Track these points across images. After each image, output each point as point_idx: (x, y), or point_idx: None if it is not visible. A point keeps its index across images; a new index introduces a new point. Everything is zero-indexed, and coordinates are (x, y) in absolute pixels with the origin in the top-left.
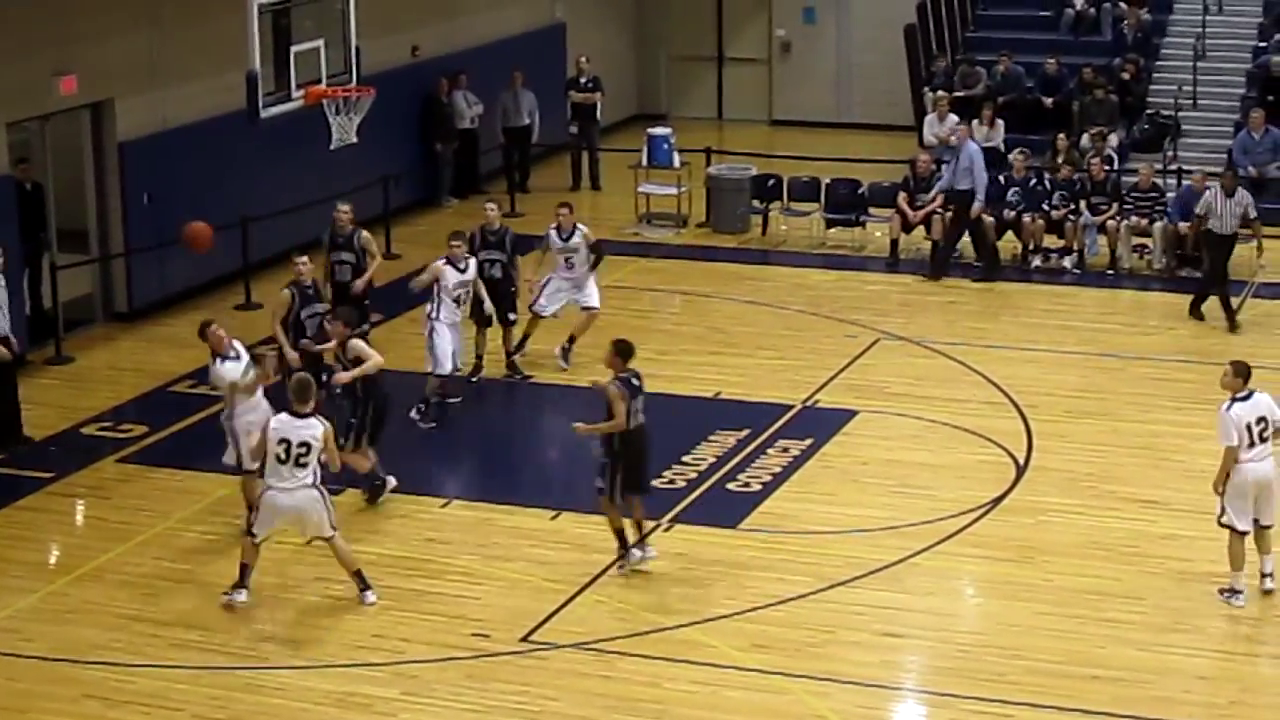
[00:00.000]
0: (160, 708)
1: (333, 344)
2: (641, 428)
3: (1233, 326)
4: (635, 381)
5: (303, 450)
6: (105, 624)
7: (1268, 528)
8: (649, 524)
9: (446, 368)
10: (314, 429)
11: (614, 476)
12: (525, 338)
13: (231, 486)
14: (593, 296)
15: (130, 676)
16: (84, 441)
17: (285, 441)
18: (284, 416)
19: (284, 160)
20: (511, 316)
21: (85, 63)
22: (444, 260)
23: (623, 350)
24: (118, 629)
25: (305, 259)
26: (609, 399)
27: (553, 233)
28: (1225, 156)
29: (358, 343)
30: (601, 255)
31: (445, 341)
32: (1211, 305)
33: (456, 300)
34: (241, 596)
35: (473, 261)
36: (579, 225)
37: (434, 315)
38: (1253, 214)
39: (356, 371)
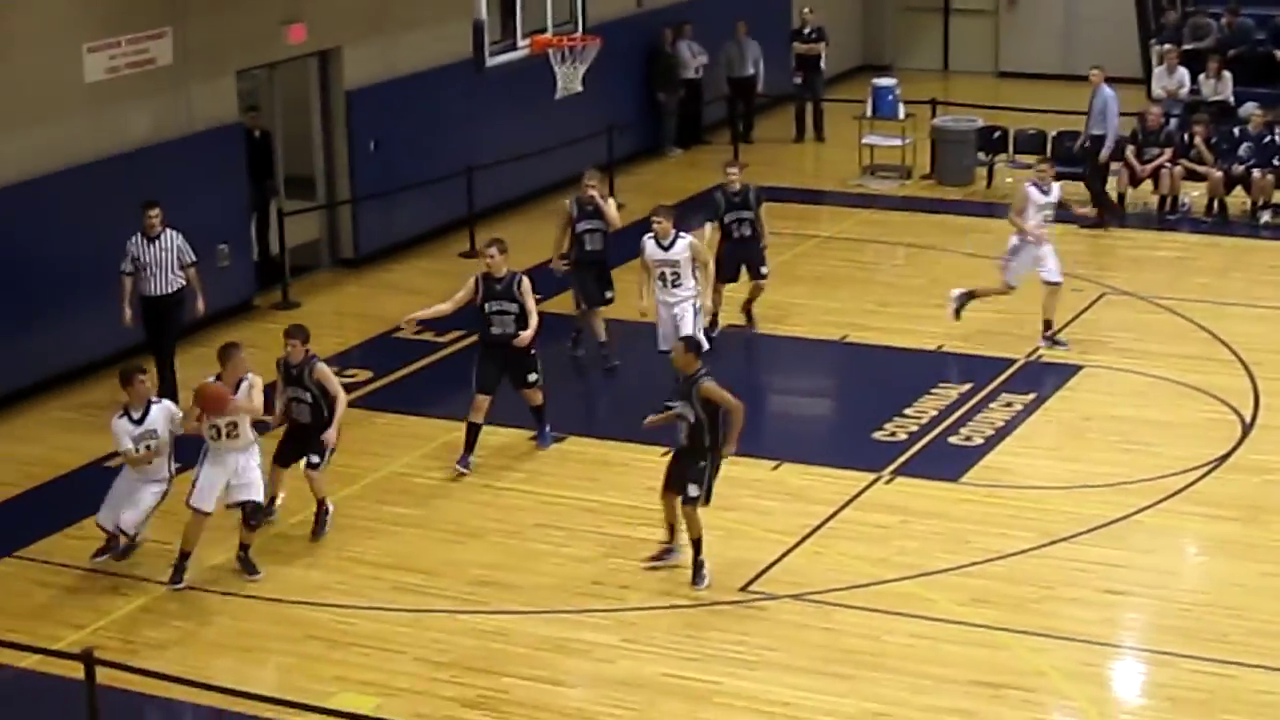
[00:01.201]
0: (382, 650)
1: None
2: None
3: None
4: None
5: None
6: (329, 566)
7: None
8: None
9: (660, 346)
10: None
11: (710, 480)
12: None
13: (456, 431)
14: (1054, 270)
15: (353, 618)
16: None
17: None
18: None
19: (509, 109)
20: (763, 270)
21: (313, 11)
22: (647, 234)
23: (695, 347)
24: (341, 571)
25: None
26: (718, 398)
27: (1033, 190)
28: None
29: (323, 368)
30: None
31: (659, 320)
32: None
33: (661, 278)
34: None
35: (681, 240)
36: (1056, 183)
37: None
38: None
39: (338, 418)
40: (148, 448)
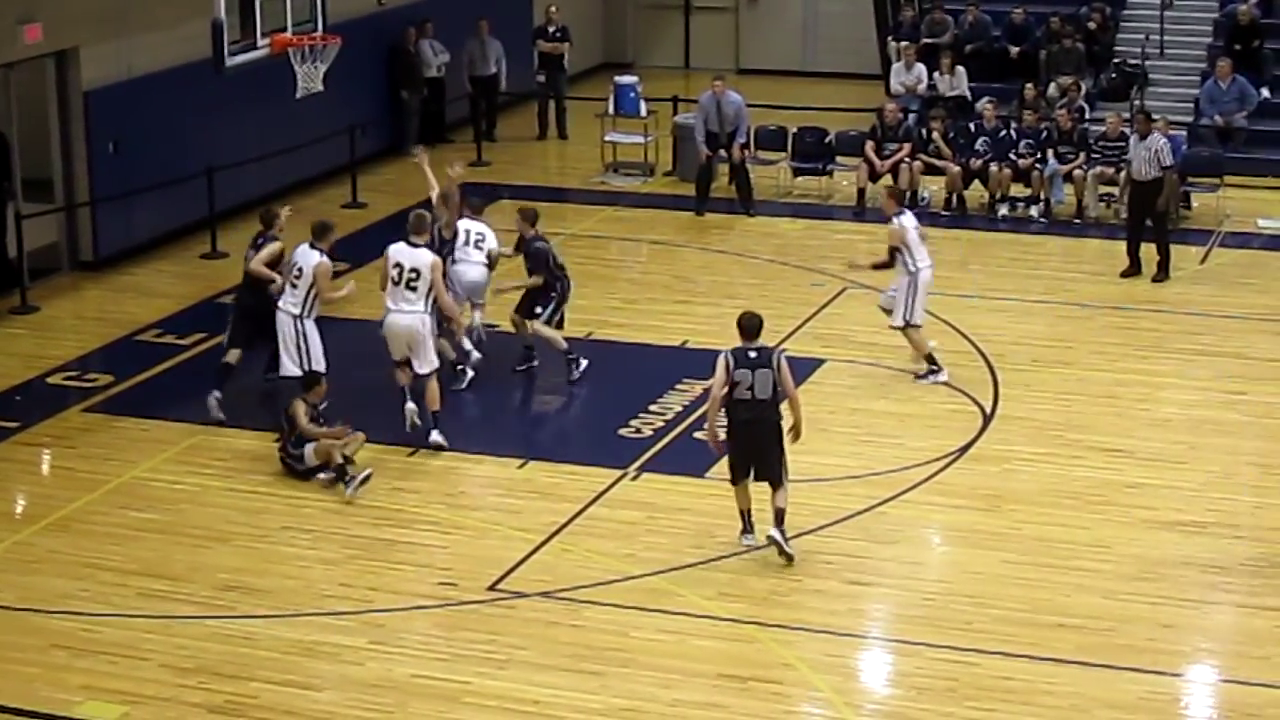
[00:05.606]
0: (127, 657)
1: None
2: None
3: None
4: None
5: (413, 275)
6: (72, 574)
7: None
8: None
9: None
10: (426, 257)
11: None
12: None
13: (200, 434)
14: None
15: (97, 626)
16: (49, 391)
17: (399, 265)
18: (400, 245)
19: (250, 109)
20: (537, 311)
21: (50, 11)
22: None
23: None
24: (85, 579)
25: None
26: None
27: None
28: (1192, 106)
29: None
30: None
31: None
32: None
33: None
34: None
35: None
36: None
37: None
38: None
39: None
40: None
